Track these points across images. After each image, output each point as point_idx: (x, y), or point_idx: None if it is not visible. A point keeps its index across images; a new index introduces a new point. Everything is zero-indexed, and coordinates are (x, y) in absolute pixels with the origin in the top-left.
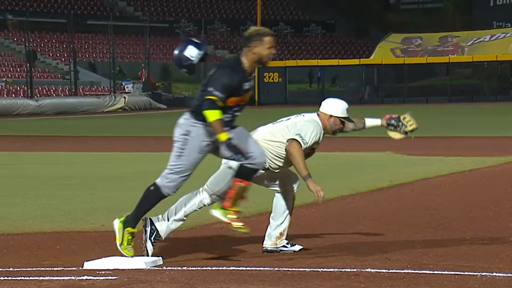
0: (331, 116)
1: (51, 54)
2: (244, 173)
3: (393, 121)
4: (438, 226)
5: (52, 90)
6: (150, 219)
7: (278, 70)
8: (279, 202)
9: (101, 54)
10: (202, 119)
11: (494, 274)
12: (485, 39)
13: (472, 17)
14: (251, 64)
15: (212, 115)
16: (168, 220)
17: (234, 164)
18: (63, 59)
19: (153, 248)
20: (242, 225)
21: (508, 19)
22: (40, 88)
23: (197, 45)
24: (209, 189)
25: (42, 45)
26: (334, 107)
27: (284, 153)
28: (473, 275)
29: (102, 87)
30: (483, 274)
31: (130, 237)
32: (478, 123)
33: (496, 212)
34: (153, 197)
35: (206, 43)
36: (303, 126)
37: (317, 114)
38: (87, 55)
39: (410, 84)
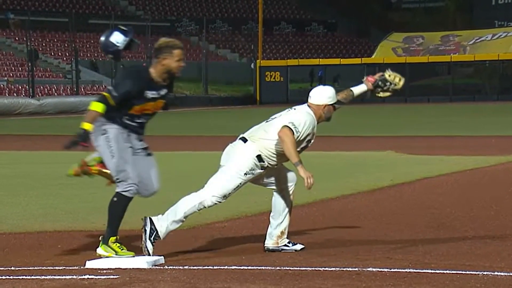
0: (325, 105)
1: (52, 53)
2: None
3: (379, 83)
4: (440, 225)
5: (53, 89)
6: (150, 218)
7: (280, 69)
8: (278, 201)
9: (102, 53)
10: (111, 118)
11: (496, 273)
12: (486, 38)
13: (473, 16)
14: (160, 74)
15: (95, 106)
16: (167, 220)
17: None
18: (64, 58)
19: (153, 247)
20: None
21: (510, 18)
22: (41, 87)
23: (123, 32)
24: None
25: (43, 44)
26: (326, 96)
27: (280, 148)
28: (475, 274)
29: (103, 86)
30: (485, 273)
31: (118, 244)
32: (479, 122)
33: (497, 211)
34: (121, 205)
35: (132, 30)
36: (295, 116)
37: (308, 106)
38: (88, 54)
39: (412, 83)
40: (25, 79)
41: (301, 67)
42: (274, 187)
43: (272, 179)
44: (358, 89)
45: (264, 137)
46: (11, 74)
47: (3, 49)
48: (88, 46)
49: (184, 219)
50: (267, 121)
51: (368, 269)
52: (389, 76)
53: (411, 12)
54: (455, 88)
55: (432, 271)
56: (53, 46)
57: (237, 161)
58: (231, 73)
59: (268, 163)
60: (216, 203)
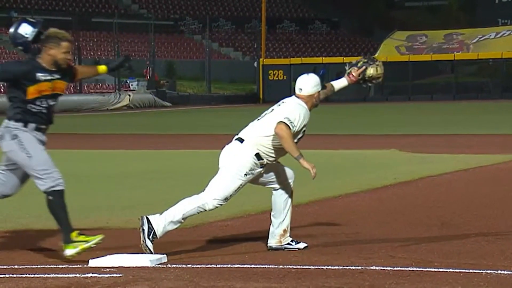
0: (316, 93)
1: None
2: None
3: (360, 81)
4: (443, 223)
5: None
6: (148, 217)
7: (283, 68)
8: (277, 199)
9: (106, 51)
10: (19, 120)
11: (499, 271)
12: (490, 37)
13: (476, 14)
14: (48, 65)
15: None
16: (165, 220)
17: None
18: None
19: (152, 245)
20: None
21: None
22: None
23: (31, 23)
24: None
25: None
26: (315, 84)
27: (277, 143)
28: (478, 272)
29: (107, 84)
30: (488, 271)
31: (81, 236)
32: (483, 121)
33: (501, 209)
34: (59, 201)
35: (41, 22)
36: (289, 110)
37: (297, 97)
38: (91, 53)
39: (415, 82)
40: None
41: (304, 66)
42: (273, 186)
43: (271, 178)
44: (338, 84)
45: (260, 135)
46: None
47: (7, 48)
48: (91, 44)
49: (182, 221)
50: (258, 119)
51: (371, 267)
52: (370, 75)
53: (414, 10)
54: (459, 86)
55: (435, 270)
56: None
57: (236, 162)
58: (234, 72)
59: (267, 159)
60: (217, 206)
